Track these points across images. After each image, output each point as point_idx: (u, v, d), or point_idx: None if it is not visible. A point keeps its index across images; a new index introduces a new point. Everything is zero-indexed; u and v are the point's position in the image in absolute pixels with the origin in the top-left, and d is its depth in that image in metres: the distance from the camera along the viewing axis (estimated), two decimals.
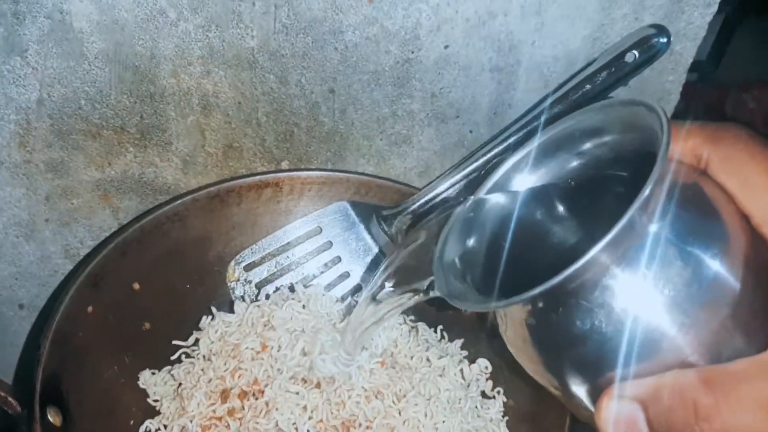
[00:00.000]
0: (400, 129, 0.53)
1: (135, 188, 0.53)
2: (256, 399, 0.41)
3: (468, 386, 0.45)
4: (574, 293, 0.26)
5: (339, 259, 0.51)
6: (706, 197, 0.27)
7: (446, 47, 0.48)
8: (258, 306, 0.47)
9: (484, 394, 0.46)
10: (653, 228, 0.26)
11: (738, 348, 0.26)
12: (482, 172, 0.48)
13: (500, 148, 0.46)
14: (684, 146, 0.28)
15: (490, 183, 0.35)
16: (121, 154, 0.51)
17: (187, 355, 0.46)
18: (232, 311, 0.48)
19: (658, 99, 0.55)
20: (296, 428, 0.41)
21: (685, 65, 0.54)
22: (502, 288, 0.30)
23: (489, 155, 0.47)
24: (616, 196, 0.30)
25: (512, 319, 0.30)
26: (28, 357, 0.58)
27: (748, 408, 0.24)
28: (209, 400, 0.42)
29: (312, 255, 0.52)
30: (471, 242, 0.35)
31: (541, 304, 0.28)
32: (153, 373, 0.46)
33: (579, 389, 0.28)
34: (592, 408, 0.28)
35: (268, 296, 0.49)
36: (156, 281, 0.47)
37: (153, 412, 0.45)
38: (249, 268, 0.51)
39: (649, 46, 0.44)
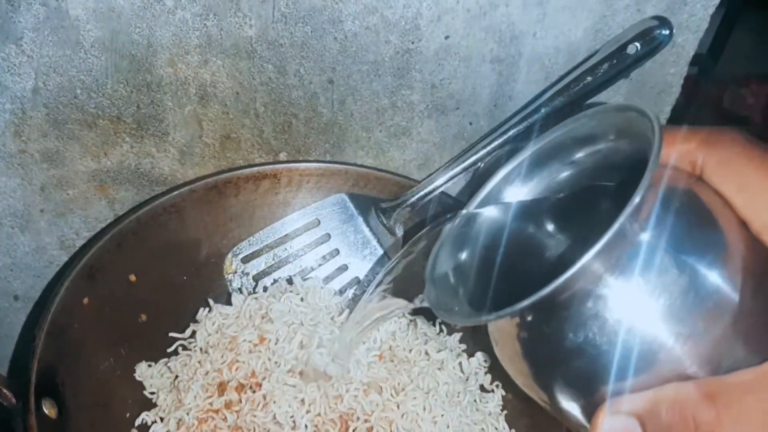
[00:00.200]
0: (400, 120, 0.52)
1: (131, 179, 0.52)
2: (254, 392, 0.41)
3: (467, 380, 0.45)
4: (565, 305, 0.26)
5: (337, 251, 0.51)
6: (702, 203, 0.27)
7: (447, 38, 0.48)
8: (256, 298, 0.47)
9: (482, 388, 0.46)
10: (646, 236, 0.25)
11: (739, 358, 0.25)
12: (482, 165, 0.47)
13: (500, 140, 0.46)
14: (678, 152, 0.28)
15: (481, 195, 0.34)
16: (117, 144, 0.50)
17: (184, 348, 0.46)
18: (229, 303, 0.48)
19: (659, 92, 0.55)
20: (294, 422, 0.40)
21: (687, 58, 0.54)
22: (495, 302, 0.30)
23: (489, 148, 0.46)
24: (611, 205, 0.30)
25: (504, 334, 0.30)
26: (23, 349, 0.58)
27: (754, 421, 0.23)
28: (206, 393, 0.42)
29: (310, 247, 0.51)
30: (463, 256, 0.34)
31: (532, 317, 0.27)
32: (149, 366, 0.45)
33: (574, 405, 0.27)
34: (587, 424, 0.27)
35: (266, 288, 0.49)
36: (152, 273, 0.47)
37: (149, 405, 0.44)
38: (246, 260, 0.51)
39: (651, 38, 0.44)
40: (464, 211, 0.34)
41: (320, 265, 0.51)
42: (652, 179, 0.24)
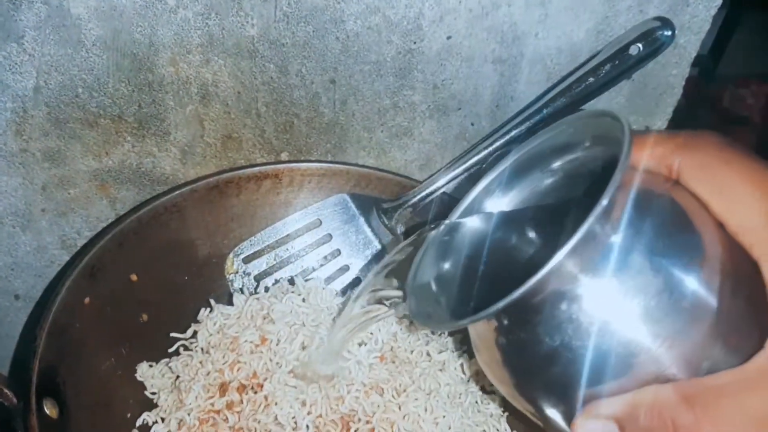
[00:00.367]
0: (401, 121, 0.52)
1: (132, 178, 0.52)
2: (255, 393, 0.41)
3: (468, 381, 0.45)
4: (540, 308, 0.26)
5: (339, 252, 0.51)
6: (678, 206, 0.26)
7: (449, 38, 0.48)
8: (257, 299, 0.47)
9: (484, 389, 0.45)
10: (619, 237, 0.25)
11: (719, 360, 0.25)
12: (483, 166, 0.47)
13: (502, 141, 0.46)
14: (654, 156, 0.28)
15: (463, 205, 0.34)
16: (118, 144, 0.50)
17: (185, 348, 0.46)
18: (230, 304, 0.48)
19: (661, 93, 0.55)
20: (295, 422, 0.40)
21: (689, 59, 0.54)
22: (476, 310, 0.30)
23: (491, 148, 0.46)
24: (588, 212, 0.30)
25: (484, 341, 0.29)
26: (24, 348, 0.58)
27: (733, 424, 0.23)
28: (207, 393, 0.42)
29: (311, 248, 0.51)
30: (445, 266, 0.34)
31: (508, 323, 0.27)
32: (150, 366, 0.45)
33: (555, 411, 0.27)
34: (569, 430, 0.27)
35: (267, 289, 0.49)
36: (154, 273, 0.47)
37: (150, 405, 0.44)
38: (248, 260, 0.50)
39: (654, 39, 0.43)
40: (447, 221, 0.34)
41: (321, 265, 0.51)
42: (620, 181, 0.24)
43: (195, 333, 0.46)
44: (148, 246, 0.46)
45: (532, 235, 0.34)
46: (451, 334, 0.47)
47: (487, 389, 0.46)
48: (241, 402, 0.41)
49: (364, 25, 0.47)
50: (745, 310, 0.25)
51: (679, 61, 0.53)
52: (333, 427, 0.41)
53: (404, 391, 0.42)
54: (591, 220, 0.23)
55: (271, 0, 0.45)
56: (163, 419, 0.43)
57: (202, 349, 0.45)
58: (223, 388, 0.42)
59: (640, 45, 0.44)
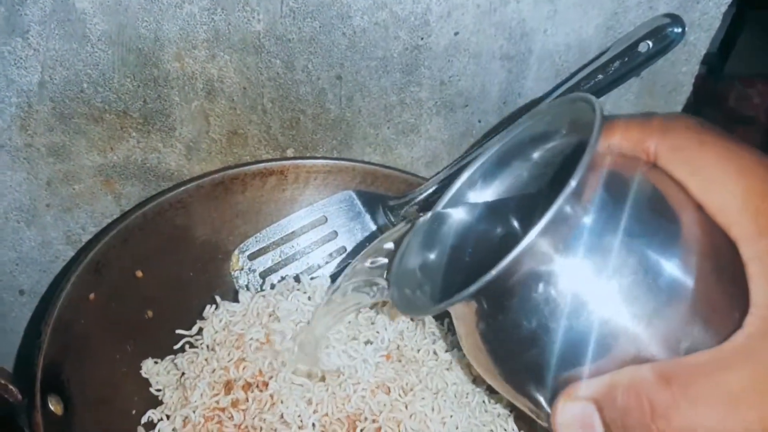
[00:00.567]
0: (408, 117, 0.52)
1: (138, 174, 0.52)
2: (261, 391, 0.41)
3: (475, 380, 0.44)
4: (516, 291, 0.26)
5: (344, 249, 0.51)
6: (654, 188, 0.26)
7: (456, 34, 0.48)
8: (263, 296, 0.46)
9: (491, 389, 0.45)
10: (592, 219, 0.25)
11: (697, 340, 0.25)
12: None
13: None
14: (630, 140, 0.28)
15: (447, 197, 0.34)
16: (123, 139, 0.50)
17: (191, 345, 0.46)
18: (235, 300, 0.47)
19: (671, 90, 0.54)
20: (301, 421, 0.40)
21: (699, 56, 0.53)
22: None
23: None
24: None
25: (466, 329, 0.29)
26: (28, 344, 0.58)
27: (710, 403, 0.23)
28: (213, 391, 0.41)
29: (317, 245, 0.51)
30: (429, 255, 0.34)
31: (487, 307, 0.27)
32: (155, 362, 0.45)
33: (537, 395, 0.27)
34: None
35: (273, 286, 0.49)
36: (159, 269, 0.46)
37: (155, 402, 0.44)
38: (253, 257, 0.50)
39: (664, 36, 0.43)
40: (430, 212, 0.34)
41: (327, 262, 0.51)
42: (589, 163, 0.24)
43: (200, 330, 0.46)
44: (153, 242, 0.46)
45: (515, 224, 0.34)
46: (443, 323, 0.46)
47: (494, 389, 0.46)
48: (247, 400, 0.41)
49: (371, 21, 0.46)
50: (724, 290, 0.25)
51: (688, 58, 0.53)
52: (339, 426, 0.40)
53: (411, 390, 0.42)
54: (560, 200, 0.23)
55: None
56: (168, 416, 0.43)
57: (207, 346, 0.44)
58: (228, 386, 0.41)
59: (649, 42, 0.43)
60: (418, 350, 0.45)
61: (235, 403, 0.41)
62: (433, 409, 0.41)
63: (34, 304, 0.57)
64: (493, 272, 0.24)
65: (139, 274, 0.46)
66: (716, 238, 0.25)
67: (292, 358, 0.42)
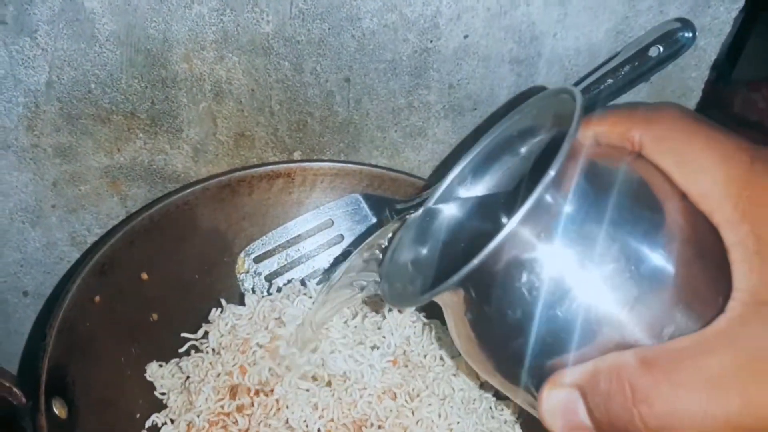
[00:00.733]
0: (416, 121, 0.52)
1: (144, 176, 0.52)
2: (267, 396, 0.40)
3: (482, 386, 0.44)
4: (500, 280, 0.26)
5: (350, 252, 0.50)
6: (638, 177, 0.27)
7: (466, 37, 0.47)
8: (269, 300, 0.46)
9: (498, 395, 0.45)
10: (575, 207, 0.26)
11: (680, 326, 0.25)
12: None
13: None
14: (615, 131, 0.28)
15: (438, 192, 0.34)
16: (130, 141, 0.50)
17: (196, 349, 0.45)
18: (241, 303, 0.47)
19: (680, 96, 0.54)
20: (306, 426, 0.40)
21: (709, 61, 0.53)
22: None
23: None
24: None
25: (455, 320, 0.29)
26: (33, 346, 0.57)
27: (691, 387, 0.23)
28: (217, 396, 0.41)
29: (323, 248, 0.51)
30: (420, 250, 0.34)
31: (473, 295, 0.27)
32: (160, 365, 0.45)
33: (530, 386, 0.27)
34: None
35: (279, 289, 0.48)
36: (164, 271, 0.46)
37: (159, 406, 0.44)
38: (259, 260, 0.50)
39: (674, 40, 0.43)
40: (421, 208, 0.35)
41: (333, 266, 0.50)
42: (569, 151, 0.24)
43: (206, 333, 0.45)
44: (159, 244, 0.46)
45: (504, 219, 0.34)
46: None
47: (501, 395, 0.45)
48: (252, 405, 0.40)
49: (381, 23, 0.46)
50: (707, 276, 0.25)
51: (698, 63, 0.53)
52: (345, 431, 0.40)
53: (417, 396, 0.41)
54: (540, 189, 0.24)
55: None
56: (172, 420, 0.42)
57: (213, 349, 0.44)
58: (233, 391, 0.41)
59: (660, 46, 0.43)
60: (425, 356, 0.44)
61: (240, 408, 0.40)
62: (439, 416, 0.41)
63: (39, 305, 0.57)
64: (475, 261, 0.24)
65: (145, 276, 0.45)
66: (699, 225, 0.26)
67: (293, 355, 0.42)
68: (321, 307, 0.40)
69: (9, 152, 0.48)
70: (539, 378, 0.26)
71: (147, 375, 0.44)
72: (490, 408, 0.43)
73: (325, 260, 0.51)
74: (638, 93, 0.52)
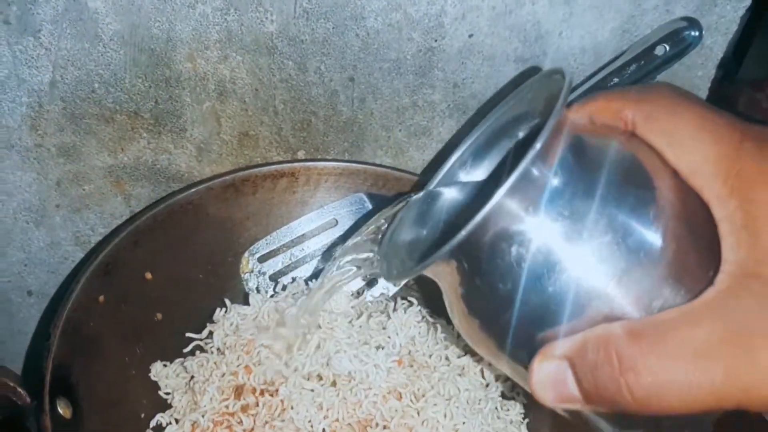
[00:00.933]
0: (420, 120, 0.51)
1: (148, 175, 0.52)
2: (272, 396, 0.40)
3: (487, 386, 0.44)
4: (489, 253, 0.26)
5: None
6: (629, 155, 0.27)
7: (471, 36, 0.47)
8: (273, 300, 0.46)
9: (503, 395, 0.45)
10: (561, 180, 0.26)
11: (669, 298, 0.25)
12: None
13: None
14: (609, 111, 0.28)
15: (438, 176, 0.35)
16: (134, 140, 0.50)
17: (201, 349, 0.45)
18: (245, 303, 0.47)
19: None
20: (311, 426, 0.40)
21: (715, 60, 0.53)
22: None
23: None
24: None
25: (450, 296, 0.30)
26: (37, 346, 0.57)
27: (677, 356, 0.23)
28: (222, 395, 0.41)
29: (327, 248, 0.51)
30: (420, 231, 0.35)
31: (466, 268, 0.27)
32: (165, 365, 0.45)
33: (520, 359, 0.27)
34: None
35: (285, 287, 0.48)
36: (168, 271, 0.46)
37: (164, 406, 0.44)
38: (263, 259, 0.50)
39: (680, 39, 0.42)
40: (422, 192, 0.35)
41: None
42: (556, 125, 0.24)
43: (210, 333, 0.45)
44: (163, 244, 0.46)
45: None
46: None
47: (507, 395, 0.45)
48: (257, 405, 0.40)
49: (385, 22, 0.46)
50: (698, 250, 0.25)
51: (704, 62, 0.52)
52: (350, 431, 0.40)
53: (423, 396, 0.41)
54: (526, 161, 0.24)
55: None
56: (177, 420, 0.42)
57: (218, 349, 0.44)
58: (238, 391, 0.41)
59: (666, 45, 0.43)
60: (430, 356, 0.44)
61: (245, 408, 0.40)
62: (445, 416, 0.40)
63: (43, 305, 0.57)
64: (464, 232, 0.24)
65: (149, 276, 0.45)
66: (690, 201, 0.26)
67: (294, 328, 0.42)
68: (317, 292, 0.41)
69: (13, 152, 0.48)
70: (530, 351, 0.26)
71: (151, 375, 0.44)
72: (496, 408, 0.43)
73: (328, 260, 0.50)
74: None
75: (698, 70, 0.52)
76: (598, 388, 0.24)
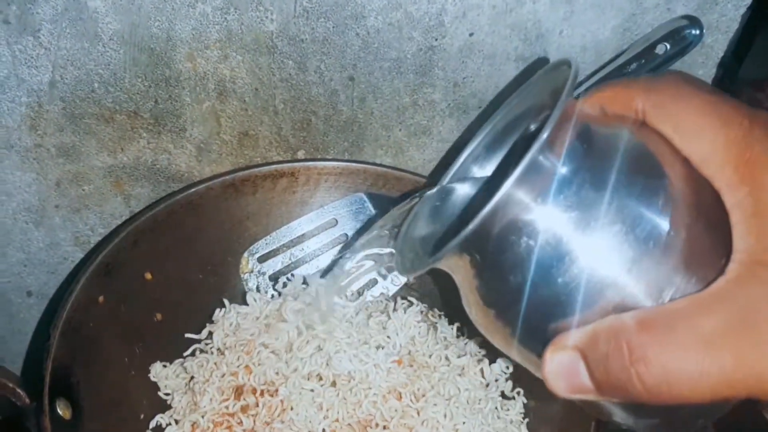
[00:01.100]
0: (420, 119, 0.51)
1: (148, 175, 0.51)
2: (272, 396, 0.40)
3: (487, 386, 0.44)
4: (500, 243, 0.26)
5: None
6: (639, 143, 0.27)
7: (471, 35, 0.47)
8: (272, 300, 0.46)
9: (504, 395, 0.44)
10: (571, 170, 0.26)
11: (680, 288, 0.25)
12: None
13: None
14: (619, 100, 0.28)
15: (451, 171, 0.35)
16: (134, 140, 0.49)
17: (201, 350, 0.45)
18: (245, 303, 0.47)
19: None
20: (312, 426, 0.39)
21: (716, 59, 0.53)
22: None
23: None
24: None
25: (464, 288, 0.30)
26: (37, 345, 0.57)
27: (687, 346, 0.23)
28: (222, 396, 0.41)
29: (327, 247, 0.51)
30: (433, 227, 0.35)
31: (478, 258, 0.27)
32: (164, 366, 0.45)
33: (535, 350, 0.27)
34: None
35: (285, 285, 0.48)
36: (168, 271, 0.46)
37: (163, 406, 0.44)
38: (263, 259, 0.50)
39: (681, 38, 0.42)
40: (436, 187, 0.35)
41: None
42: (562, 114, 0.24)
43: (210, 334, 0.45)
44: (163, 244, 0.46)
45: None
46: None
47: (507, 395, 0.45)
48: (257, 405, 0.40)
49: (385, 21, 0.46)
50: (709, 239, 0.25)
51: (705, 61, 0.52)
52: (350, 431, 0.40)
53: (423, 396, 0.41)
54: (533, 151, 0.24)
55: None
56: (177, 421, 0.42)
57: (218, 350, 0.44)
58: (238, 391, 0.41)
59: (667, 44, 0.42)
60: (430, 355, 0.44)
61: (244, 409, 0.40)
62: (445, 416, 0.40)
63: (42, 305, 0.57)
64: (472, 225, 0.24)
65: (149, 276, 0.45)
66: (701, 189, 0.26)
67: (295, 322, 0.43)
68: (334, 281, 0.41)
69: (12, 152, 0.48)
70: (543, 341, 0.26)
71: (151, 375, 0.44)
72: (496, 408, 0.43)
73: (329, 259, 0.50)
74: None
75: (699, 69, 0.52)
76: (610, 379, 0.24)
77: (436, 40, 0.47)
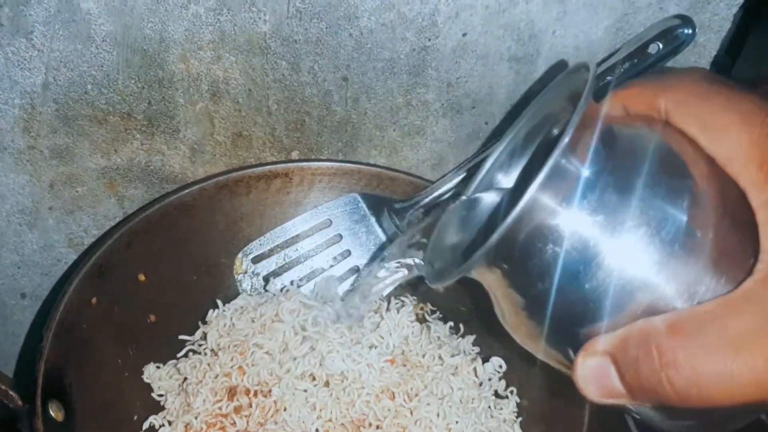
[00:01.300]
0: (414, 119, 0.51)
1: (141, 176, 0.51)
2: (265, 397, 0.40)
3: (480, 385, 0.44)
4: (526, 251, 0.26)
5: (348, 252, 0.50)
6: (663, 144, 0.27)
7: (464, 35, 0.47)
8: (266, 300, 0.46)
9: (497, 394, 0.44)
10: (596, 173, 0.26)
11: (710, 289, 0.25)
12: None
13: None
14: (641, 100, 0.28)
15: (476, 181, 0.35)
16: (127, 142, 0.49)
17: (194, 352, 0.45)
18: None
19: None
20: (305, 426, 0.39)
21: (708, 58, 0.53)
22: None
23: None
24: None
25: (495, 296, 0.30)
26: (30, 348, 0.57)
27: (716, 348, 0.23)
28: (215, 397, 0.41)
29: (321, 248, 0.51)
30: (461, 238, 0.35)
31: (506, 266, 0.27)
32: (158, 367, 0.45)
33: (566, 354, 0.27)
34: None
35: (281, 287, 0.48)
36: (162, 272, 0.46)
37: (157, 407, 0.44)
38: (257, 260, 0.50)
39: (674, 37, 0.42)
40: (462, 198, 0.35)
41: (331, 266, 0.50)
42: (582, 118, 0.24)
43: (204, 335, 0.45)
44: (157, 245, 0.46)
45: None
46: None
47: (500, 394, 0.45)
48: (250, 406, 0.40)
49: (378, 22, 0.46)
50: (737, 239, 0.25)
51: (698, 60, 0.52)
52: (343, 431, 0.40)
53: (416, 395, 0.41)
54: (555, 156, 0.24)
55: None
56: (170, 422, 0.42)
57: (211, 350, 0.44)
58: (231, 392, 0.41)
59: (659, 43, 0.43)
60: (423, 355, 0.44)
61: (238, 410, 0.40)
62: (438, 415, 0.40)
63: (36, 307, 0.57)
64: (497, 234, 0.24)
65: (142, 277, 0.45)
66: (727, 188, 0.26)
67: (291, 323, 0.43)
68: (373, 279, 0.41)
69: (5, 154, 0.48)
70: (573, 345, 0.26)
71: (144, 377, 0.44)
72: (489, 407, 0.43)
73: (323, 260, 0.50)
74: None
75: None
76: (641, 382, 0.24)
77: (429, 40, 0.47)
